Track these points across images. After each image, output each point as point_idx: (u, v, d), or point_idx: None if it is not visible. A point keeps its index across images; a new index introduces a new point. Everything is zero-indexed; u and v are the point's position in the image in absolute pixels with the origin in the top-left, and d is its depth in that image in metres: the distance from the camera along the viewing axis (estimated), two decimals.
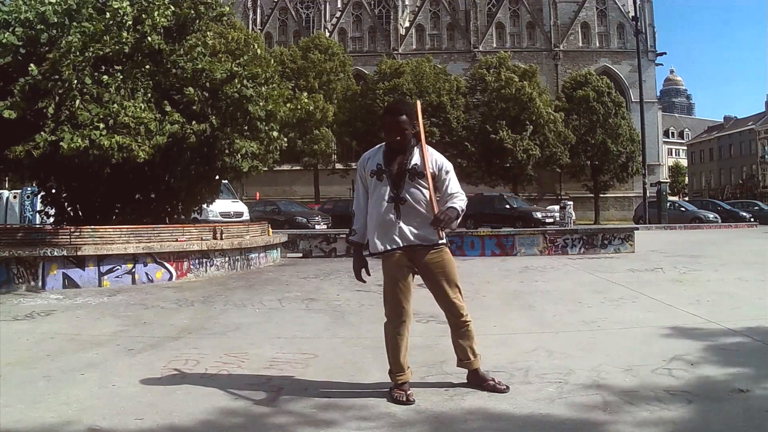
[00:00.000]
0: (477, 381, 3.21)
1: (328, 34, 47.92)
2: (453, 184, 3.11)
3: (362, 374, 3.55)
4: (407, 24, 52.45)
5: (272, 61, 9.11)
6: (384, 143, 3.19)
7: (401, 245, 3.05)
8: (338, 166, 39.61)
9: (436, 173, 3.09)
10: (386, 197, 3.04)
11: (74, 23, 7.47)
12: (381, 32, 51.75)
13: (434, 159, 3.12)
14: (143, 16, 7.73)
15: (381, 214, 3.06)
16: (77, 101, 7.12)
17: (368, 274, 3.17)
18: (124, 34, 7.47)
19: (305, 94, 9.93)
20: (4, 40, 7.14)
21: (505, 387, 3.15)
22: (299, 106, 9.34)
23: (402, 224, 3.04)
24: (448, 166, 3.15)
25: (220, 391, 3.21)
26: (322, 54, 38.12)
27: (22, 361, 3.89)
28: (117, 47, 7.39)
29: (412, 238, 3.05)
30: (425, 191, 3.06)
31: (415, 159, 3.07)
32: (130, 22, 7.62)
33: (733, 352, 3.86)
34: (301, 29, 51.39)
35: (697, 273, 8.22)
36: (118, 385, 3.35)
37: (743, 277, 7.57)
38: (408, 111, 3.09)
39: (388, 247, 3.06)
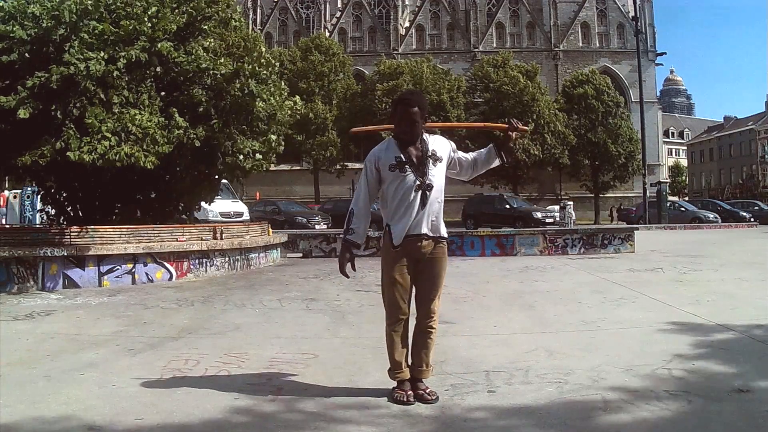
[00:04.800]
0: (412, 389, 3.08)
1: (328, 34, 47.91)
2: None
3: (362, 374, 3.55)
4: (407, 24, 52.44)
5: (275, 64, 9.13)
6: (390, 138, 3.18)
7: (425, 234, 3.04)
8: (338, 166, 39.56)
9: (451, 153, 3.19)
10: (413, 186, 3.02)
11: (84, 22, 7.43)
12: (381, 32, 51.75)
13: (444, 139, 3.20)
14: (156, 21, 7.71)
15: (408, 203, 3.02)
16: (85, 106, 7.08)
17: (353, 269, 3.14)
18: (139, 43, 7.45)
19: (297, 98, 9.95)
20: (12, 33, 7.07)
21: (435, 397, 3.05)
22: (295, 107, 9.38)
23: (428, 212, 3.04)
24: (454, 145, 3.25)
25: (220, 391, 3.21)
26: (322, 55, 38.10)
27: (22, 361, 3.89)
28: (131, 58, 7.35)
29: (433, 228, 3.06)
30: (442, 177, 3.12)
31: (432, 145, 3.11)
32: (146, 28, 7.61)
33: (733, 352, 3.87)
34: (301, 29, 51.39)
35: (697, 273, 8.22)
36: (118, 385, 3.35)
37: (743, 277, 7.57)
38: (420, 103, 3.10)
39: (413, 233, 3.03)
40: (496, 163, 3.26)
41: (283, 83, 9.54)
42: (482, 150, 3.28)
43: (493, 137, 3.29)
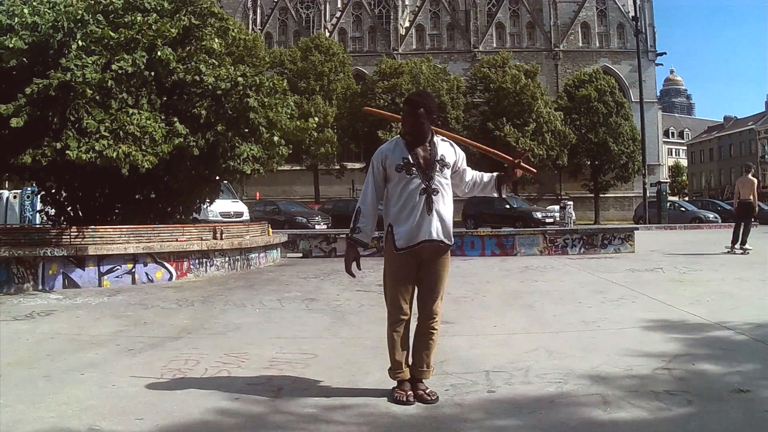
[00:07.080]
0: (412, 389, 3.08)
1: (328, 34, 47.85)
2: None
3: (362, 374, 3.55)
4: (407, 24, 52.39)
5: (284, 82, 9.28)
6: (398, 137, 3.17)
7: (429, 238, 3.00)
8: (336, 166, 39.54)
9: (458, 162, 3.16)
10: (418, 190, 2.99)
11: (81, 28, 7.45)
12: (381, 32, 51.71)
13: (455, 148, 3.17)
14: (154, 27, 7.72)
15: (413, 207, 2.99)
16: (82, 110, 7.09)
17: (359, 268, 3.11)
18: (137, 54, 7.43)
19: (313, 119, 9.98)
20: (10, 44, 7.12)
21: (435, 397, 3.05)
22: (308, 127, 9.44)
23: (433, 217, 3.01)
24: (464, 155, 3.22)
25: (220, 391, 3.21)
26: (322, 55, 38.09)
27: (22, 361, 3.89)
28: (131, 68, 7.34)
29: (437, 232, 3.02)
30: (450, 183, 3.10)
31: (441, 150, 3.08)
32: (146, 39, 7.61)
33: (733, 352, 3.86)
34: (301, 29, 51.35)
35: (697, 273, 8.22)
36: (118, 385, 3.35)
37: (743, 277, 7.57)
38: (427, 105, 3.05)
39: (418, 240, 2.99)
40: (492, 193, 3.29)
41: (291, 101, 9.58)
42: (484, 175, 3.25)
43: (498, 167, 3.28)
